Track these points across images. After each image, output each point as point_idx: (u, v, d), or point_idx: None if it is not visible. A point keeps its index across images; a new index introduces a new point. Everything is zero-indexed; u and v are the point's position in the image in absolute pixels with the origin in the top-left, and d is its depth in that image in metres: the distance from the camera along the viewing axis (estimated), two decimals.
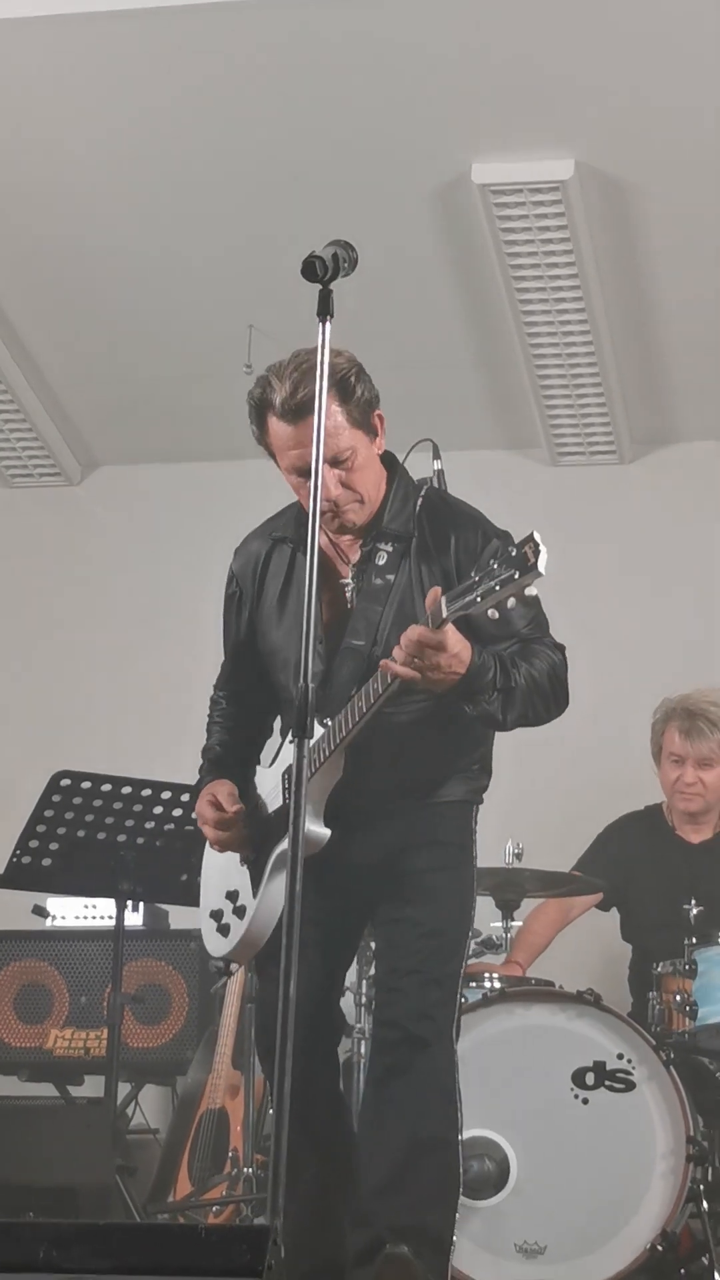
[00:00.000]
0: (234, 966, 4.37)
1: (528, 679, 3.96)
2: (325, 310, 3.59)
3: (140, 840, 5.46)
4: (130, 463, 8.29)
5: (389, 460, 4.23)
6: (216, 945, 4.31)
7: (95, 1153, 5.67)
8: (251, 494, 7.80)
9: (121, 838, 5.44)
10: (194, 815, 5.35)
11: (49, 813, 5.37)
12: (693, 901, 5.60)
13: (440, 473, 5.38)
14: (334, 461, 4.03)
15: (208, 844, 4.35)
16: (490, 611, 3.63)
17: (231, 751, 4.41)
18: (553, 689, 4.05)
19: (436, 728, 4.07)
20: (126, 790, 5.40)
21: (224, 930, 4.28)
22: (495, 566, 3.59)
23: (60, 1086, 6.80)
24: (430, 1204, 4.02)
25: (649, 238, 6.67)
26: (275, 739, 4.46)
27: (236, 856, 4.28)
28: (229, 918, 4.26)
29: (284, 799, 4.13)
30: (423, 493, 4.22)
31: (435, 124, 6.18)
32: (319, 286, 3.60)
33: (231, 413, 7.77)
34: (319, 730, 4.01)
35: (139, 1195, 5.99)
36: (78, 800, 5.37)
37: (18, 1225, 2.65)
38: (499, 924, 5.78)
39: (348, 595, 4.16)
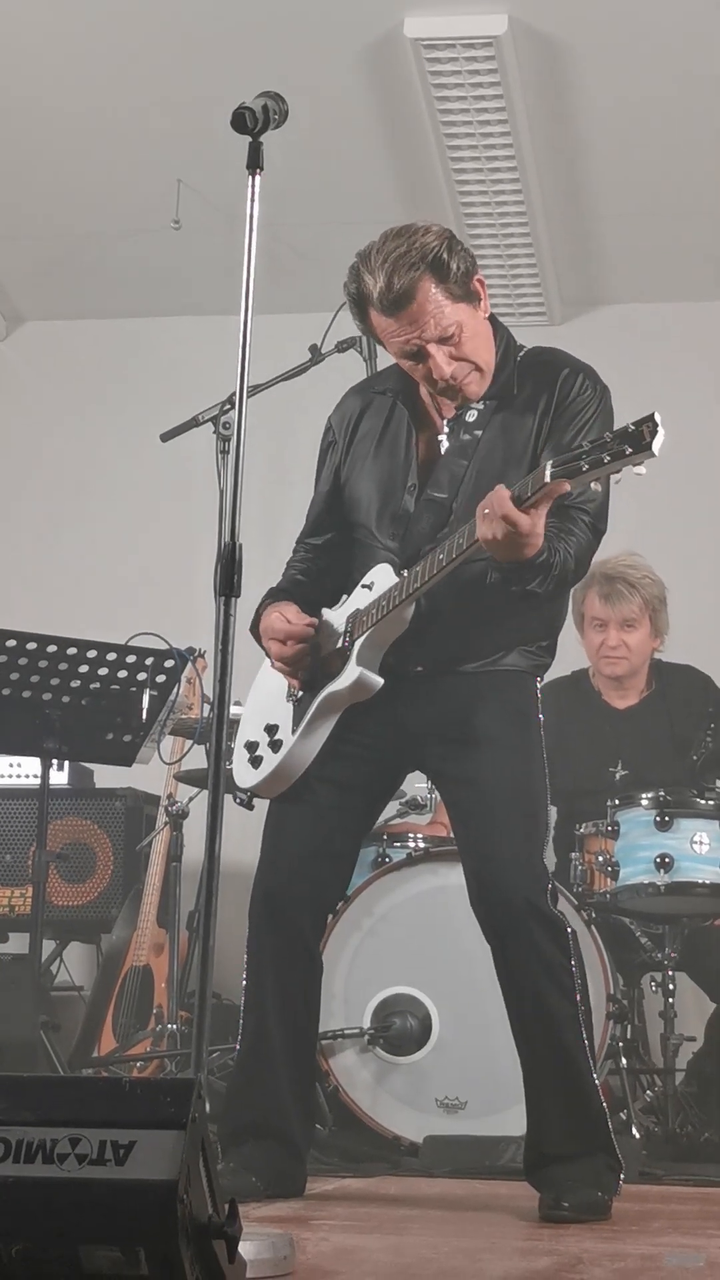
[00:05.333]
0: (255, 801, 4.30)
1: (561, 568, 3.93)
2: (255, 163, 3.52)
3: (66, 699, 5.42)
4: (57, 319, 8.21)
5: (492, 321, 4.22)
6: (245, 776, 4.27)
7: (20, 1009, 5.69)
8: (180, 351, 7.87)
9: (47, 696, 5.39)
10: (122, 671, 5.42)
11: None
12: (618, 764, 5.64)
13: None
14: (441, 339, 4.04)
15: (261, 674, 4.35)
16: (594, 485, 3.63)
17: (299, 588, 4.34)
18: (575, 572, 4.03)
19: (506, 591, 4.02)
20: (52, 648, 5.35)
21: (255, 762, 4.25)
22: (608, 439, 3.58)
23: None
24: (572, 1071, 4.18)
25: (582, 98, 6.61)
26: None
27: (283, 691, 4.24)
28: (263, 750, 4.24)
29: (343, 642, 4.12)
30: (523, 352, 4.23)
31: None
32: (249, 139, 3.54)
33: (160, 268, 7.79)
34: (393, 578, 4.04)
35: (64, 1051, 6.03)
36: (2, 658, 5.33)
37: None
38: (424, 784, 5.79)
39: (441, 449, 4.16)
